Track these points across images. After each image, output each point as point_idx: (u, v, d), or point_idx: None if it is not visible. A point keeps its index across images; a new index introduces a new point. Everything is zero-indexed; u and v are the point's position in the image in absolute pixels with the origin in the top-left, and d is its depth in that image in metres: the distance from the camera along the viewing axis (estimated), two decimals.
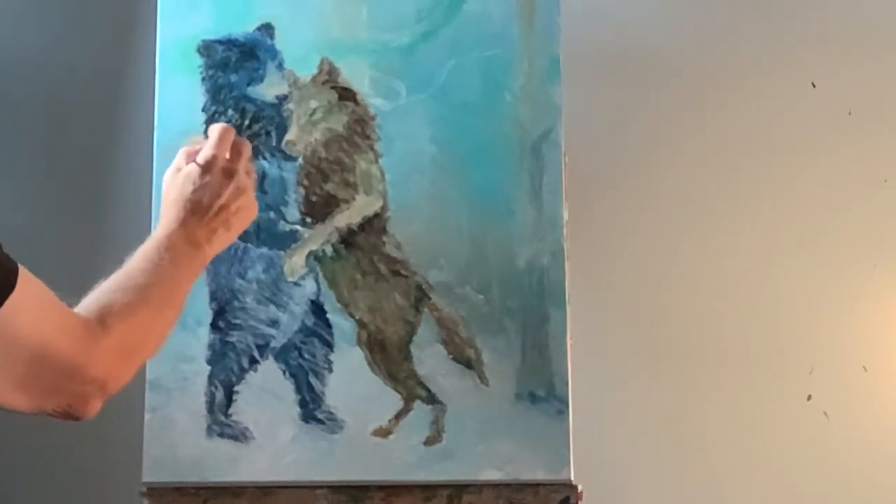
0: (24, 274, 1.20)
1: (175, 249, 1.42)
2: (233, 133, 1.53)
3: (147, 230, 1.67)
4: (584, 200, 1.86)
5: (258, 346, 1.71)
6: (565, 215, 1.71)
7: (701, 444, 2.03)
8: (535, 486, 1.65)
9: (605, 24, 2.10)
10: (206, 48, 1.76)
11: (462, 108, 1.73)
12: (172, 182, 1.51)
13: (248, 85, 1.75)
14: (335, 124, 1.74)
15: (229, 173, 1.50)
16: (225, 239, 1.50)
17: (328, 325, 1.71)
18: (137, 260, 1.40)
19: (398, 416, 1.68)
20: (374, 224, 1.72)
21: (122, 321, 1.30)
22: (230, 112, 1.74)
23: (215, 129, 1.53)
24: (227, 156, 1.51)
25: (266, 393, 1.70)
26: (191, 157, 1.51)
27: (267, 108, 1.75)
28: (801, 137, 2.07)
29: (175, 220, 1.46)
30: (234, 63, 1.75)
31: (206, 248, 1.47)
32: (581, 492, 1.65)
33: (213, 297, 1.71)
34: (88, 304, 1.32)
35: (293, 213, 1.73)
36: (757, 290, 2.05)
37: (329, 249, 1.72)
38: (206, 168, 1.49)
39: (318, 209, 1.73)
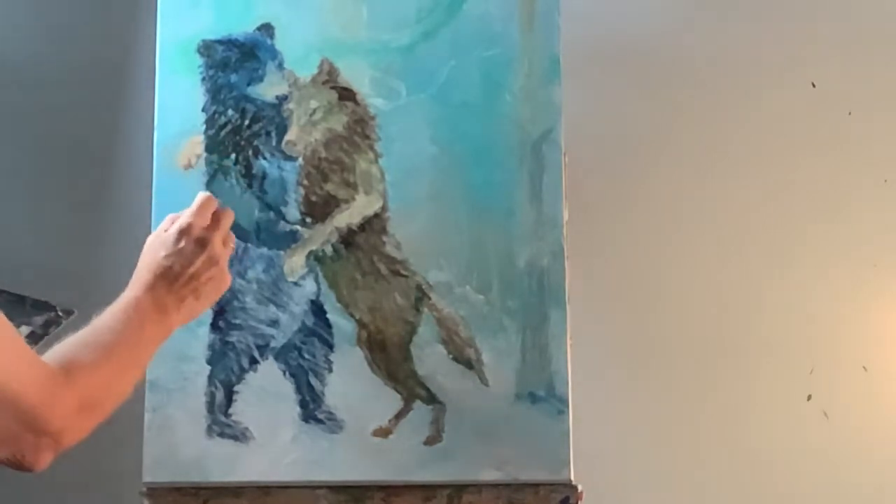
0: None
1: (142, 313, 1.42)
2: (215, 203, 1.52)
3: (147, 230, 1.67)
4: (584, 200, 1.86)
5: (258, 346, 1.71)
6: (565, 215, 1.71)
7: (701, 444, 2.03)
8: (535, 486, 1.65)
9: (605, 24, 2.10)
10: (206, 48, 1.76)
11: (462, 108, 1.73)
12: (150, 244, 1.50)
13: (248, 85, 1.75)
14: (335, 124, 1.74)
15: (203, 242, 1.48)
16: (194, 308, 1.49)
17: (328, 325, 1.71)
18: (106, 318, 1.39)
19: (398, 416, 1.68)
20: (374, 224, 1.72)
21: (86, 376, 1.29)
22: (230, 112, 1.74)
23: (198, 197, 1.52)
24: (206, 225, 1.50)
25: (266, 393, 1.70)
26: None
27: (267, 108, 1.75)
28: (801, 137, 2.07)
29: (144, 285, 1.45)
30: (234, 63, 1.75)
31: (173, 316, 1.46)
32: (581, 492, 1.65)
33: None
34: (54, 355, 1.31)
35: (293, 213, 1.73)
36: (757, 290, 2.05)
37: (329, 249, 1.72)
38: (181, 235, 1.48)
39: (318, 209, 1.73)
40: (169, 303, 1.45)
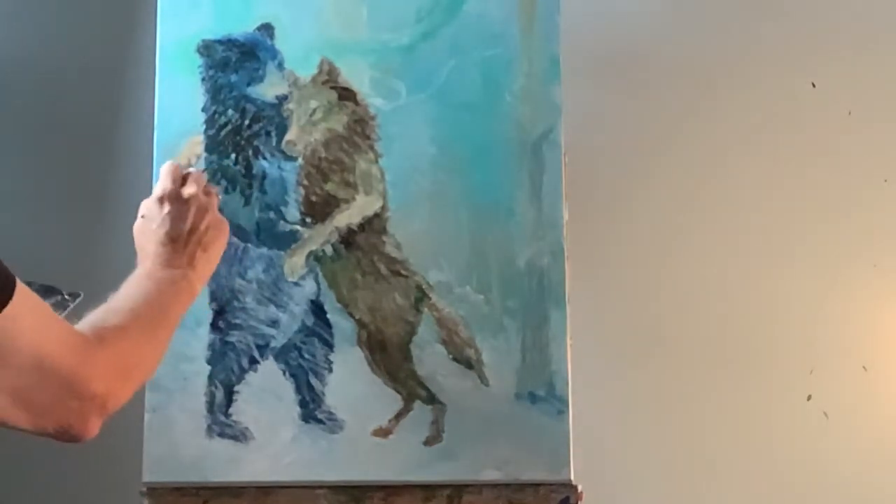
0: (21, 286, 1.21)
1: (155, 277, 1.46)
2: (178, 167, 1.57)
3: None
4: (584, 200, 1.86)
5: (258, 346, 1.71)
6: (565, 215, 1.71)
7: (701, 444, 2.03)
8: (535, 486, 1.65)
9: (605, 24, 2.10)
10: (206, 48, 1.76)
11: (462, 108, 1.73)
12: (140, 231, 1.54)
13: (248, 85, 1.75)
14: (335, 124, 1.74)
15: (183, 200, 1.53)
16: (205, 260, 1.52)
17: (328, 325, 1.71)
18: (121, 292, 1.42)
19: (398, 416, 1.68)
20: (374, 224, 1.72)
21: (117, 338, 1.31)
22: (230, 112, 1.74)
23: (162, 168, 1.57)
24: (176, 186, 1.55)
25: (266, 393, 1.70)
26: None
27: (267, 108, 1.75)
28: (801, 137, 2.07)
29: (149, 257, 1.49)
30: (234, 63, 1.75)
31: (189, 274, 1.49)
32: (581, 492, 1.65)
33: (213, 297, 1.71)
34: (83, 324, 1.32)
35: (293, 213, 1.73)
36: (757, 290, 2.05)
37: (329, 249, 1.72)
38: (161, 202, 1.53)
39: (318, 209, 1.73)
40: (179, 262, 1.48)
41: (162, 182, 1.55)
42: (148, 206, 1.54)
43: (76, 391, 1.24)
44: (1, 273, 1.19)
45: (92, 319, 1.34)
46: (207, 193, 1.56)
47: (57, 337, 1.24)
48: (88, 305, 1.39)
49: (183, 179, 1.55)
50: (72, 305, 1.50)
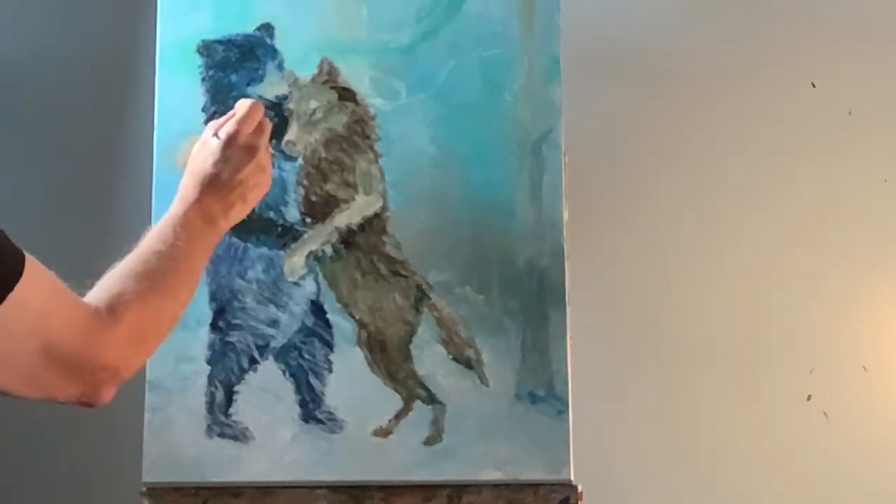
0: (32, 262, 1.20)
1: (190, 227, 1.42)
2: (261, 110, 1.54)
3: (147, 230, 1.67)
4: (584, 200, 1.86)
5: (258, 346, 1.71)
6: (565, 215, 1.71)
7: (701, 444, 2.03)
8: (535, 486, 1.65)
9: (605, 24, 2.10)
10: (206, 48, 1.76)
11: (462, 108, 1.73)
12: (196, 153, 1.51)
13: (248, 85, 1.75)
14: (335, 124, 1.74)
15: (252, 150, 1.50)
16: (240, 212, 1.51)
17: (328, 325, 1.71)
18: (152, 241, 1.39)
19: (398, 416, 1.68)
20: (374, 224, 1.72)
21: (133, 310, 1.29)
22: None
23: (243, 104, 1.53)
24: (251, 131, 1.51)
25: (266, 393, 1.70)
26: (217, 131, 1.52)
27: (267, 108, 1.75)
28: (801, 137, 2.07)
29: (192, 196, 1.46)
30: (234, 63, 1.75)
31: (221, 223, 1.47)
32: (581, 492, 1.65)
33: (213, 297, 1.71)
34: (100, 290, 1.31)
35: (293, 213, 1.73)
36: (757, 291, 2.05)
37: (329, 249, 1.72)
38: (228, 143, 1.49)
39: (318, 209, 1.73)
40: (217, 211, 1.46)
41: (239, 122, 1.50)
42: (215, 142, 1.49)
43: (86, 366, 1.23)
44: (8, 250, 1.17)
45: (111, 285, 1.31)
46: (267, 150, 1.53)
47: (66, 314, 1.23)
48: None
49: (257, 125, 1.51)
50: None
